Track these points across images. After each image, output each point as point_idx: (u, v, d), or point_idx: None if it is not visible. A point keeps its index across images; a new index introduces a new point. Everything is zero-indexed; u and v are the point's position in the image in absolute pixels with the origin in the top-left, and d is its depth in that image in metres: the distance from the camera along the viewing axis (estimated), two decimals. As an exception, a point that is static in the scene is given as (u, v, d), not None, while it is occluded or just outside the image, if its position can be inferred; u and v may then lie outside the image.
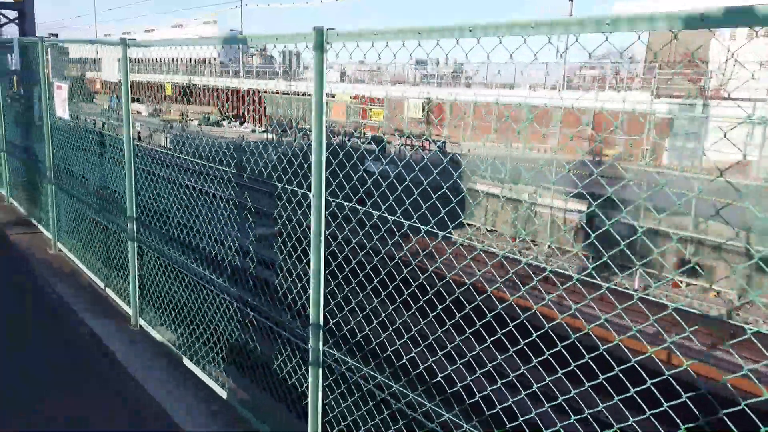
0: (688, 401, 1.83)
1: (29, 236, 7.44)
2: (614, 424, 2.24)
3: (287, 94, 36.18)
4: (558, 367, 2.18)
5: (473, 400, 2.56)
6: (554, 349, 2.12)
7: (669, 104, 21.70)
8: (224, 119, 43.47)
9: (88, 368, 4.63)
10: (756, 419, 1.78)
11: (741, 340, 1.97)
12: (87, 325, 5.16)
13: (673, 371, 1.94)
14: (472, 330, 2.53)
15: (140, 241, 5.00)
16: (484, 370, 2.60)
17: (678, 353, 10.72)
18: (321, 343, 3.00)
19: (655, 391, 1.88)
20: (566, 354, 2.08)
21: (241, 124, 43.05)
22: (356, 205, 2.93)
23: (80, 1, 79.00)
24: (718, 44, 20.60)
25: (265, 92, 36.75)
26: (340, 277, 3.09)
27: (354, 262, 3.04)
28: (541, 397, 2.33)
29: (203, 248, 4.24)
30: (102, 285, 5.83)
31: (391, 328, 3.04)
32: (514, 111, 22.86)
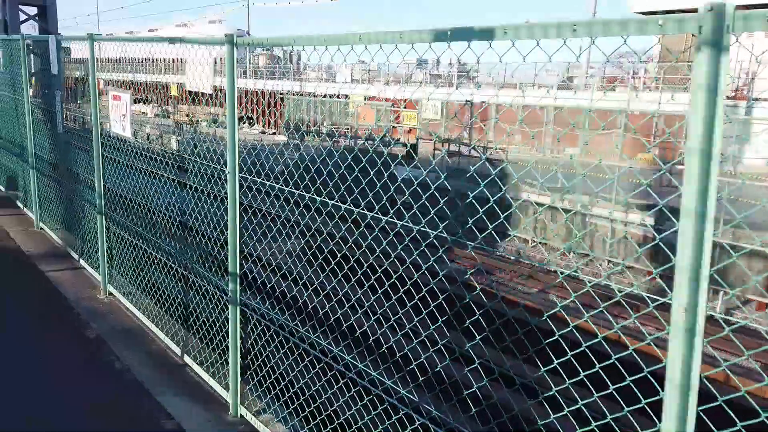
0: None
1: (70, 274, 6.17)
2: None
3: (299, 95, 34.79)
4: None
5: None
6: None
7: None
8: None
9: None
10: None
11: None
12: (169, 415, 3.90)
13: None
14: None
15: (246, 305, 3.76)
16: None
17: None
18: None
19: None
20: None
21: (251, 125, 41.80)
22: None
23: (79, 1, 77.68)
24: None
25: (293, 94, 35.32)
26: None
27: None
28: None
29: (359, 329, 2.99)
30: (178, 351, 4.58)
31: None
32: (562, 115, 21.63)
